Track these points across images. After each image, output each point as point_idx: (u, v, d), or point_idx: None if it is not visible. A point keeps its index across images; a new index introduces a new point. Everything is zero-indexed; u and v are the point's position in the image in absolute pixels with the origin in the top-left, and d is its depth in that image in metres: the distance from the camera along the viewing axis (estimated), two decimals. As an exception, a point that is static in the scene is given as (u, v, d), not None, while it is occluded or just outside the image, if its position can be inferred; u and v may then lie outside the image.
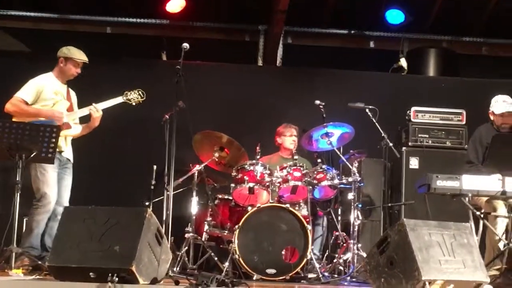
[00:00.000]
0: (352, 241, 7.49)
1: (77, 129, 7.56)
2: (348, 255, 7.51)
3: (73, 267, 5.66)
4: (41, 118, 7.23)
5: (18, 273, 6.42)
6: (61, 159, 7.46)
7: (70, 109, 7.57)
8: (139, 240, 5.63)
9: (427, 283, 5.48)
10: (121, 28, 10.50)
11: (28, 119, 7.13)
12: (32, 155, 6.68)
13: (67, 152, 7.55)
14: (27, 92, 7.36)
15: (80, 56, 7.55)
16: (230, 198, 7.83)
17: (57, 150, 7.22)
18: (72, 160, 7.62)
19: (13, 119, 7.21)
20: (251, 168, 7.68)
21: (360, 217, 7.76)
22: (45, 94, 7.40)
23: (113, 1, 10.30)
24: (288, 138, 8.53)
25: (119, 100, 7.64)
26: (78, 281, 5.62)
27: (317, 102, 8.13)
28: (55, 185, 7.36)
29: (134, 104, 7.69)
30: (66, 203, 7.46)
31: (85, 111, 7.55)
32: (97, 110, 7.50)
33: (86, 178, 8.89)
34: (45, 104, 7.39)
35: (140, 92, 7.70)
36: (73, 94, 7.72)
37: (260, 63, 10.61)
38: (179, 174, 7.63)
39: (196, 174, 7.78)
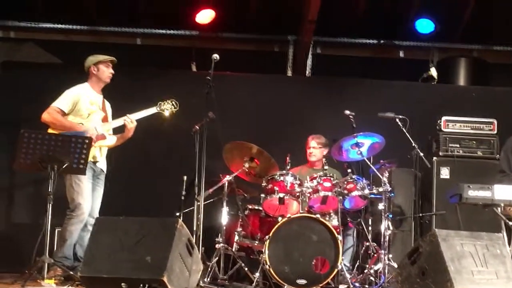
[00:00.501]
0: (382, 251, 7.44)
1: (111, 140, 7.61)
2: (379, 266, 7.47)
3: (105, 277, 5.70)
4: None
5: (51, 283, 6.48)
6: (95, 170, 7.51)
7: (105, 119, 7.62)
8: (170, 251, 5.66)
9: (459, 294, 5.45)
10: (151, 40, 10.55)
11: (62, 132, 7.17)
12: (64, 166, 6.73)
13: (102, 162, 7.60)
14: (63, 102, 7.42)
15: (106, 56, 7.64)
16: (260, 208, 7.82)
17: (92, 160, 7.31)
18: (105, 171, 7.66)
19: (49, 130, 7.26)
20: (281, 178, 7.68)
21: (391, 227, 7.70)
22: (81, 104, 7.46)
23: (143, 12, 10.35)
24: (307, 150, 8.56)
25: (153, 110, 7.70)
26: (110, 292, 5.67)
27: (347, 112, 8.13)
28: (90, 195, 7.41)
29: (167, 114, 7.75)
30: (97, 214, 7.51)
31: (119, 122, 7.61)
32: (131, 120, 7.55)
33: (116, 188, 8.94)
34: (80, 114, 7.44)
35: (173, 102, 7.76)
36: (108, 105, 7.77)
37: (289, 73, 10.61)
38: (209, 185, 7.63)
39: (226, 184, 7.76)
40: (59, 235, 7.53)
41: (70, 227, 7.27)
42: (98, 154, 7.50)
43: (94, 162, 7.44)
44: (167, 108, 7.74)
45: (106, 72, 7.63)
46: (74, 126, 7.35)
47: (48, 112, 7.38)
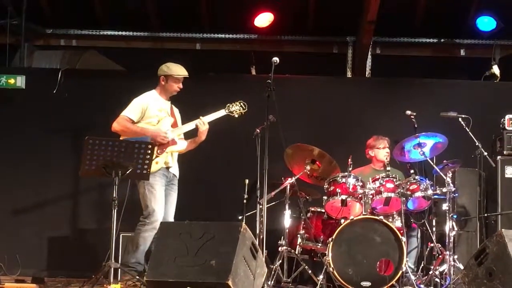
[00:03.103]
0: (448, 252, 7.36)
1: (182, 145, 7.65)
2: (444, 267, 7.40)
3: (171, 282, 5.76)
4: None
5: (117, 288, 6.56)
6: (168, 175, 7.57)
7: (174, 125, 7.68)
8: (234, 254, 5.69)
9: (528, 295, 5.37)
10: (211, 44, 10.62)
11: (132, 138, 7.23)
12: (127, 172, 6.79)
13: (174, 168, 7.65)
14: (132, 110, 7.51)
15: (179, 71, 7.65)
16: (323, 210, 7.81)
17: (165, 166, 7.40)
18: (178, 176, 7.70)
19: (121, 138, 7.34)
20: (343, 180, 7.65)
21: (456, 228, 7.62)
22: (150, 111, 7.53)
23: (202, 18, 10.42)
24: (382, 151, 8.43)
25: (222, 113, 7.73)
26: (176, 296, 5.72)
27: (408, 112, 8.07)
28: (163, 202, 7.47)
29: (236, 116, 7.76)
30: (171, 219, 7.57)
31: (190, 126, 7.66)
32: (203, 123, 7.60)
33: (178, 192, 9.00)
34: (149, 122, 7.53)
35: (241, 103, 7.77)
36: (176, 110, 7.84)
37: (349, 74, 10.57)
38: (272, 188, 7.65)
39: (288, 187, 7.79)
40: (131, 240, 7.55)
41: (143, 233, 7.32)
42: (170, 160, 7.55)
43: (167, 168, 7.51)
44: (236, 110, 7.75)
45: (174, 87, 7.65)
46: (145, 131, 7.41)
47: (118, 122, 7.48)
